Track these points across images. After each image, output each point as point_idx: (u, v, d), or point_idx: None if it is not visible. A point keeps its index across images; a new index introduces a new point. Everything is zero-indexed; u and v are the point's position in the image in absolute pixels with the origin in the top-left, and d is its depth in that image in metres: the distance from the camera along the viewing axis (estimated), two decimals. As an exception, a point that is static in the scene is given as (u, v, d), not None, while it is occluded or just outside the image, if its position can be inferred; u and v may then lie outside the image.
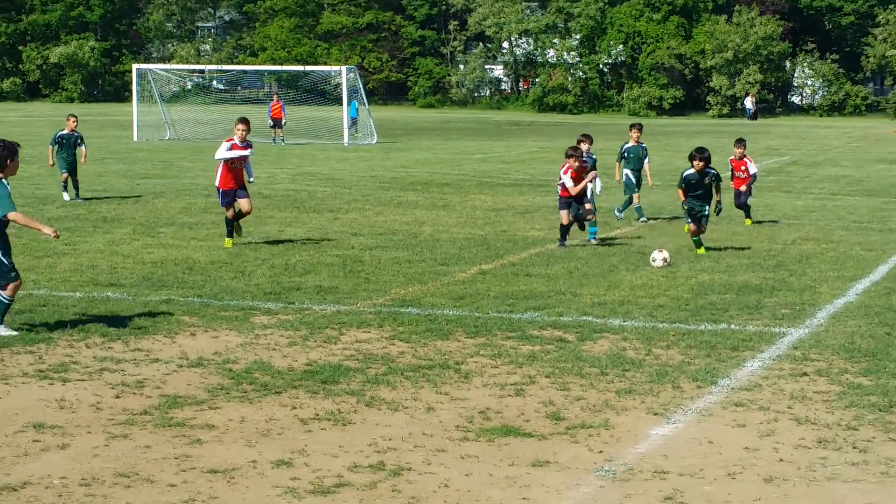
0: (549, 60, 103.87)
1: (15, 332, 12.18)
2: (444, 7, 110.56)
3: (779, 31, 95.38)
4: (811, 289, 15.80)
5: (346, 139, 53.77)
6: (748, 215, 23.47)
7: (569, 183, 19.19)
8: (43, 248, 18.17)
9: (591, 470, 8.39)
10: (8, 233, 12.29)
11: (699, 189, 18.74)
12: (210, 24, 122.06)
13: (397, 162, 41.45)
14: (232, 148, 19.09)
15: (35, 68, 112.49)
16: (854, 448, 8.93)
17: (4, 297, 12.13)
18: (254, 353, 11.76)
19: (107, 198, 26.97)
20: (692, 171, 18.74)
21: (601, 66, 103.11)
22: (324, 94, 66.86)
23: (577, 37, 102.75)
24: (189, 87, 79.58)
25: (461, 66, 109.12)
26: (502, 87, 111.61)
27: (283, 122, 54.45)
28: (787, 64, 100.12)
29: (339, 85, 60.39)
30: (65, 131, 26.81)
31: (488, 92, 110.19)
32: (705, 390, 10.54)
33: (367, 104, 58.40)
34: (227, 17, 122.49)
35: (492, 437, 9.11)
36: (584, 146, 20.37)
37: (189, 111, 61.89)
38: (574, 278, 16.37)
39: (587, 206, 19.37)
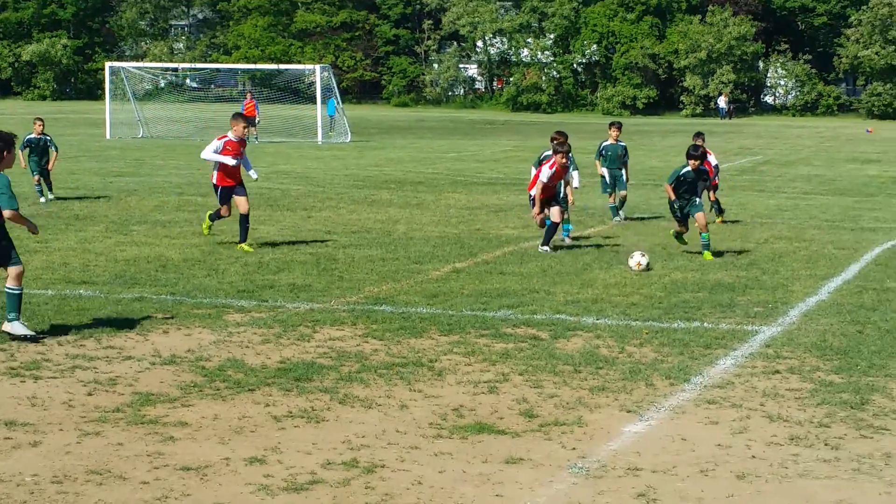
0: (524, 60, 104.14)
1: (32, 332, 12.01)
2: (418, 6, 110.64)
3: (752, 31, 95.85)
4: (784, 287, 15.86)
5: (319, 138, 53.72)
6: (720, 212, 23.51)
7: (545, 176, 18.70)
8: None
9: (564, 467, 8.40)
10: None
11: (686, 187, 18.36)
12: (183, 23, 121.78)
13: (371, 160, 41.42)
14: (225, 145, 18.40)
15: (7, 66, 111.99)
16: (826, 445, 8.97)
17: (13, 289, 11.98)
18: (227, 350, 11.73)
19: (79, 196, 26.85)
20: (688, 169, 18.36)
21: (575, 65, 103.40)
22: (297, 92, 66.81)
23: (551, 36, 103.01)
24: (162, 85, 79.40)
25: (435, 66, 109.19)
26: (476, 87, 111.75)
27: (256, 121, 54.30)
28: (760, 64, 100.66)
29: (312, 83, 60.35)
30: (32, 135, 26.59)
31: (462, 91, 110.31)
32: (678, 388, 10.56)
33: (340, 103, 58.37)
34: (200, 16, 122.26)
35: (465, 434, 9.11)
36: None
37: (162, 109, 61.72)
38: (547, 276, 16.38)
39: (555, 208, 18.89)
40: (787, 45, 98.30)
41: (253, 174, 19.26)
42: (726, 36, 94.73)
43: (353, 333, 12.60)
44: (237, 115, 19.14)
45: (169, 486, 7.86)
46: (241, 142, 18.67)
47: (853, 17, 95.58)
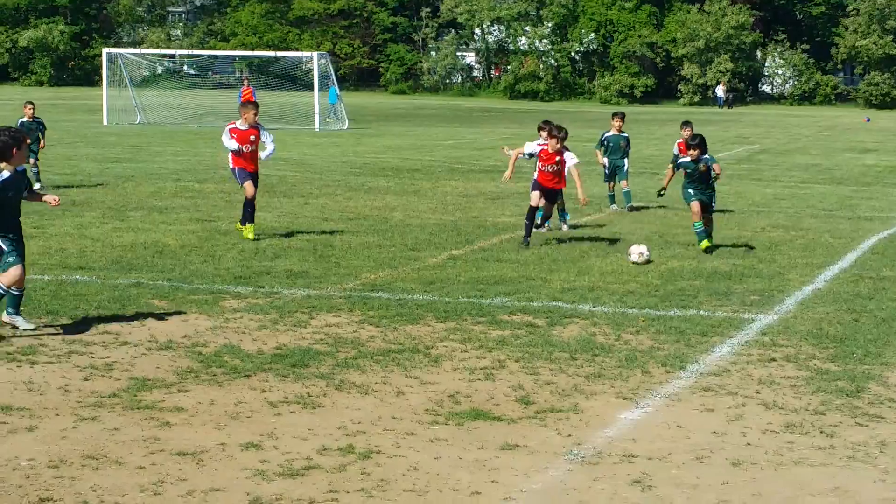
0: (521, 48, 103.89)
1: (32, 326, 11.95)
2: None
3: (750, 20, 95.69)
4: (780, 276, 15.88)
5: (317, 125, 53.64)
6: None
7: (528, 149, 18.30)
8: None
9: (560, 453, 8.41)
10: None
11: (696, 176, 18.14)
12: (181, 9, 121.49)
13: (368, 148, 41.39)
14: (231, 133, 18.24)
15: (4, 52, 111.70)
16: (821, 433, 8.99)
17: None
18: (223, 336, 11.73)
19: (76, 182, 26.83)
20: (687, 159, 18.23)
21: (573, 53, 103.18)
22: (295, 79, 66.66)
23: (549, 24, 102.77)
24: (160, 71, 79.19)
25: (433, 53, 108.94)
26: (474, 75, 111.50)
27: (254, 108, 54.14)
28: (758, 53, 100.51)
29: (310, 71, 60.22)
30: (24, 119, 26.40)
31: (460, 79, 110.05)
32: (674, 375, 10.58)
33: (338, 90, 58.30)
34: (198, 2, 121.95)
35: (461, 420, 9.12)
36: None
37: (159, 96, 61.58)
38: (544, 264, 16.39)
39: (542, 198, 18.49)
40: (784, 35, 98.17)
41: (263, 154, 18.79)
42: (724, 25, 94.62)
43: (349, 320, 12.61)
44: (245, 104, 19.13)
45: (165, 471, 7.87)
46: (253, 129, 18.37)
47: (851, 7, 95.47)
